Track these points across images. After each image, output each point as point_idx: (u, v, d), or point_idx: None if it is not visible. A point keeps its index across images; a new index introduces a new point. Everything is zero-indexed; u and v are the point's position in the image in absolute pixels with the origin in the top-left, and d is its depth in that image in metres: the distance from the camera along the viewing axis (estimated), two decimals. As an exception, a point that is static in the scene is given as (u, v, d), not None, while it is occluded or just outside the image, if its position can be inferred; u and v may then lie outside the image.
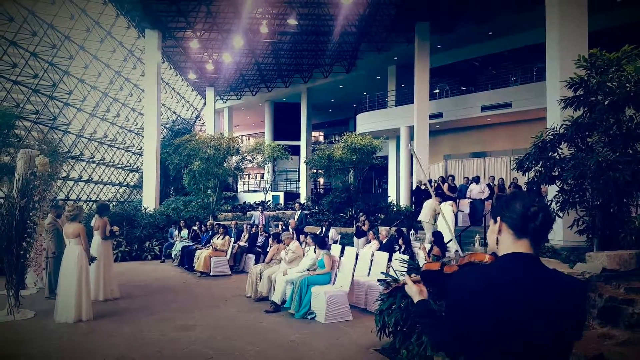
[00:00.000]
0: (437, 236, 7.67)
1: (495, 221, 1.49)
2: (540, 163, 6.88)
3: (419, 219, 11.29)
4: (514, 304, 1.31)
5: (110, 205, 15.28)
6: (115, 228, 7.91)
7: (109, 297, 7.54)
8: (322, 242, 7.39)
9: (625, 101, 5.99)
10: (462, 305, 1.40)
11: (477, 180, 13.13)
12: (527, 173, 7.34)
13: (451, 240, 8.58)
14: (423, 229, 12.88)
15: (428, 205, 10.79)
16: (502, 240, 1.44)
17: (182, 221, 13.56)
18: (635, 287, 4.73)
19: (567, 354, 1.38)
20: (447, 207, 10.40)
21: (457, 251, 8.21)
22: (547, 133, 6.94)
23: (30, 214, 6.64)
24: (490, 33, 18.46)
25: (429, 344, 4.14)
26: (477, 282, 1.39)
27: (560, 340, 1.33)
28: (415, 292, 1.78)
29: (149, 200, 17.75)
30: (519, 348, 1.31)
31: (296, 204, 15.20)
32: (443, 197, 11.68)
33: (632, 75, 5.99)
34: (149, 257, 12.87)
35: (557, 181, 6.81)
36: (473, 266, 1.56)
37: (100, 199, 22.21)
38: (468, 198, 13.07)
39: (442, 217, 8.92)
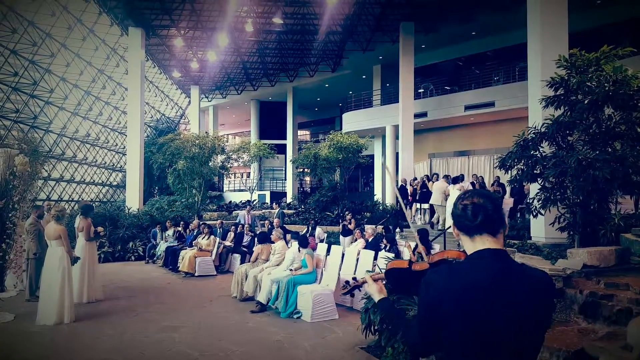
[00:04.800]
0: (422, 234, 7.71)
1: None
2: (523, 161, 6.98)
3: (430, 202, 11.21)
4: (483, 301, 1.33)
5: (94, 205, 15.05)
6: (100, 229, 7.80)
7: (92, 299, 7.43)
8: (302, 241, 7.38)
9: (604, 100, 6.12)
10: (437, 304, 1.39)
11: (461, 178, 13.25)
12: (509, 171, 7.45)
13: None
14: (409, 227, 12.99)
15: (437, 188, 10.79)
16: (463, 242, 1.46)
17: (167, 221, 13.42)
18: (615, 282, 4.84)
19: (539, 344, 1.41)
20: (455, 192, 10.40)
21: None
22: (529, 132, 7.05)
23: (10, 215, 6.51)
24: (473, 33, 18.68)
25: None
26: (449, 280, 1.39)
27: (530, 331, 1.36)
28: (375, 290, 1.81)
29: (133, 200, 17.48)
30: (492, 343, 1.34)
31: (274, 203, 15.34)
32: (453, 182, 11.56)
33: (610, 75, 6.13)
34: (133, 257, 12.71)
35: (538, 179, 6.91)
36: (446, 265, 1.57)
37: (82, 199, 21.84)
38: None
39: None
